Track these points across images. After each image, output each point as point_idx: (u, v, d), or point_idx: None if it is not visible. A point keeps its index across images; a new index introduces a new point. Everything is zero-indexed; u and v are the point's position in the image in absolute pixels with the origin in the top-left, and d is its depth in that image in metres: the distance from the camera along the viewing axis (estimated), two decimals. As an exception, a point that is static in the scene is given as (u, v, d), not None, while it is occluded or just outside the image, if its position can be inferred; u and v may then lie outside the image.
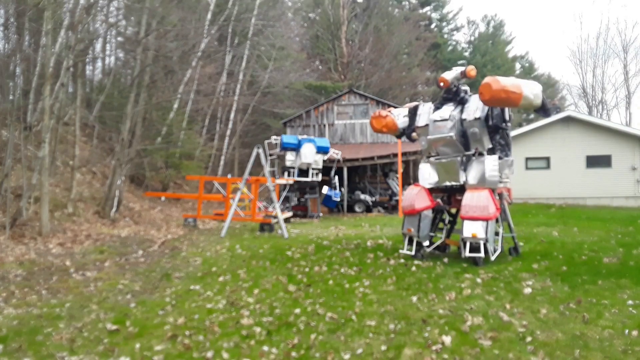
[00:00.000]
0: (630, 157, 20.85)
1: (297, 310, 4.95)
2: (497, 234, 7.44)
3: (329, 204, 18.06)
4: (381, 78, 33.44)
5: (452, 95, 7.85)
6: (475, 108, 7.43)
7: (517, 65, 45.51)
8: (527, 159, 21.92)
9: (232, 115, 25.11)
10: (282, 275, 6.64)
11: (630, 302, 5.02)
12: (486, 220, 6.95)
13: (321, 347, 3.99)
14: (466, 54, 44.34)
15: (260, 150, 11.44)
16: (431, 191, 7.99)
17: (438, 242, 8.12)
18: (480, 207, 6.97)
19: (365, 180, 22.30)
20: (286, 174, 16.72)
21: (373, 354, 3.84)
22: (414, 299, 5.31)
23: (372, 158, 19.80)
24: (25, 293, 5.76)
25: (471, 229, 6.99)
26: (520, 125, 29.95)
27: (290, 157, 16.81)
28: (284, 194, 16.89)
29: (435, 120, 7.77)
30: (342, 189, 19.15)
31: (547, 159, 21.73)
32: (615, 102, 40.00)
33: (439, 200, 8.25)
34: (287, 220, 13.86)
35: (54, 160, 12.35)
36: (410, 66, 37.18)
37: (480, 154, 7.43)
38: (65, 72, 11.63)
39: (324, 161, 17.43)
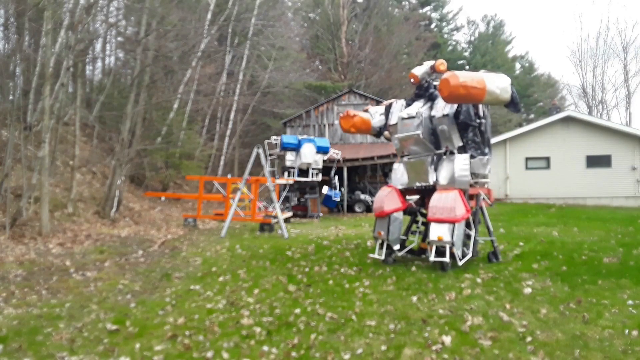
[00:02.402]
0: (630, 157, 20.86)
1: (297, 310, 4.95)
2: (469, 237, 7.01)
3: (329, 204, 18.06)
4: (381, 78, 33.46)
5: (423, 92, 7.54)
6: (444, 104, 7.06)
7: (517, 65, 45.51)
8: (527, 159, 21.95)
9: (232, 115, 25.11)
10: (282, 275, 6.64)
11: (630, 302, 5.03)
12: (452, 222, 6.53)
13: (321, 347, 3.99)
14: (466, 54, 44.39)
15: (260, 150, 11.44)
16: (405, 192, 7.66)
17: (411, 246, 7.78)
18: (447, 209, 6.57)
19: (365, 180, 22.30)
20: (286, 174, 16.72)
21: (373, 354, 3.84)
22: (414, 299, 5.31)
23: (372, 158, 19.80)
24: (25, 293, 5.76)
25: (437, 232, 6.60)
26: (520, 125, 29.98)
27: (290, 157, 16.80)
28: (284, 194, 16.89)
29: (403, 118, 7.42)
30: (342, 189, 19.14)
31: (547, 159, 21.74)
32: (615, 102, 40.08)
33: (411, 202, 7.84)
34: (287, 220, 13.86)
35: (54, 160, 12.35)
36: (410, 66, 37.07)
37: (452, 153, 7.07)
38: (65, 72, 11.63)
39: (324, 161, 17.42)
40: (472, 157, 6.98)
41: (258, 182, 13.10)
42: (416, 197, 8.01)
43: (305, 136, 17.83)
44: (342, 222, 14.84)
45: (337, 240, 10.01)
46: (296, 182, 16.58)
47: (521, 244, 8.90)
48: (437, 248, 6.67)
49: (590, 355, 3.73)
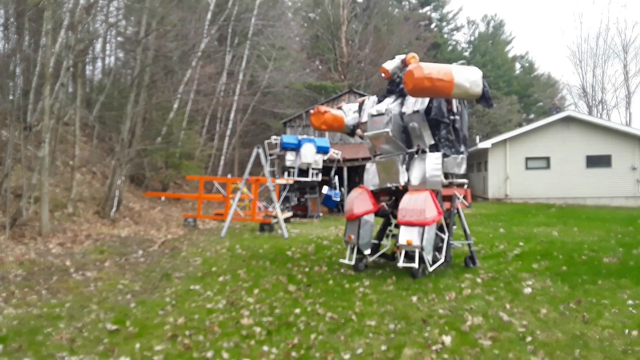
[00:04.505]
0: (630, 157, 20.90)
1: (297, 310, 4.95)
2: (443, 241, 6.62)
3: (329, 204, 18.05)
4: (381, 78, 33.37)
5: (394, 87, 7.12)
6: (414, 100, 6.68)
7: (517, 65, 45.51)
8: (527, 159, 21.97)
9: (232, 115, 25.12)
10: (282, 275, 6.64)
11: (630, 302, 5.03)
12: (422, 225, 6.11)
13: (321, 347, 3.99)
14: (466, 53, 44.37)
15: (260, 150, 11.44)
16: (378, 193, 7.25)
17: (384, 250, 7.31)
18: (417, 211, 6.14)
19: (365, 180, 22.25)
20: (286, 174, 16.72)
21: (373, 354, 3.84)
22: (414, 299, 5.31)
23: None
24: (25, 293, 5.76)
25: (406, 236, 6.17)
26: (520, 125, 29.98)
27: (290, 157, 16.79)
28: (284, 194, 16.89)
29: (372, 115, 6.99)
30: (342, 189, 19.14)
31: (547, 159, 21.77)
32: (615, 102, 40.15)
33: (383, 204, 7.33)
34: (287, 220, 13.86)
35: (54, 160, 12.35)
36: (410, 66, 37.08)
37: (424, 152, 6.65)
38: (65, 72, 11.64)
39: (324, 161, 17.42)
40: (445, 155, 6.60)
41: (258, 182, 13.10)
42: (390, 198, 7.47)
43: (305, 136, 17.82)
44: (342, 222, 14.82)
45: (337, 240, 10.01)
46: (296, 182, 16.57)
47: (521, 244, 8.90)
48: (407, 252, 6.27)
49: (590, 355, 3.73)
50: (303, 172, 16.87)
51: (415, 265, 6.13)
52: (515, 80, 41.77)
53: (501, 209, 17.33)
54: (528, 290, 5.57)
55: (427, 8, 44.85)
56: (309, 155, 16.65)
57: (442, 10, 45.41)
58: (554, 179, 21.24)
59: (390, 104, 7.00)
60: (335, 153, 18.27)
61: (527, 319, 4.54)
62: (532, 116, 40.51)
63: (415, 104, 6.72)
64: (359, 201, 6.98)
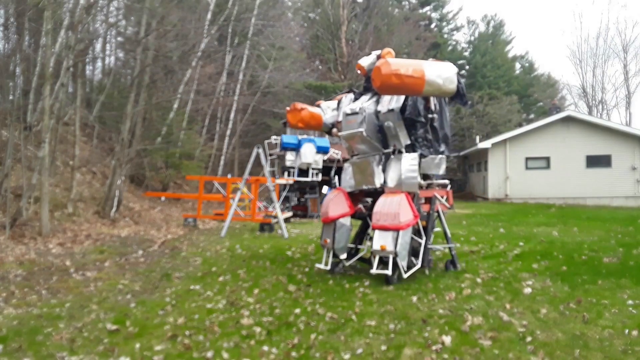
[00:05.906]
0: (630, 157, 20.93)
1: (297, 310, 4.95)
2: (420, 245, 6.29)
3: (328, 204, 18.03)
4: (381, 78, 33.35)
5: (370, 84, 6.55)
6: (390, 98, 6.38)
7: (517, 65, 45.50)
8: (527, 158, 22.00)
9: (232, 115, 25.11)
10: (282, 275, 6.64)
11: (630, 302, 5.03)
12: (396, 230, 5.78)
13: (321, 347, 3.99)
14: (466, 53, 44.36)
15: (260, 150, 11.44)
16: (356, 195, 6.95)
17: (362, 254, 7.00)
18: (391, 215, 5.83)
19: (365, 180, 22.22)
20: (286, 174, 16.71)
21: (373, 354, 3.84)
22: (414, 299, 5.31)
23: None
24: (25, 293, 5.75)
25: (380, 241, 5.85)
26: (520, 125, 29.99)
27: (290, 157, 16.75)
28: (284, 194, 16.88)
29: (347, 114, 6.65)
30: (342, 189, 19.11)
31: (547, 159, 21.79)
32: (615, 102, 40.11)
33: (360, 206, 6.98)
34: (287, 220, 13.86)
35: (54, 160, 12.34)
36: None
37: (400, 152, 6.36)
38: (65, 72, 11.63)
39: (324, 161, 17.40)
40: (423, 156, 6.31)
41: (258, 182, 13.10)
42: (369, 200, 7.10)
43: (305, 136, 17.78)
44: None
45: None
46: (296, 182, 16.56)
47: (521, 244, 8.90)
48: (382, 258, 5.95)
49: (590, 355, 3.73)
50: (303, 172, 16.83)
51: (389, 272, 5.82)
52: (515, 80, 41.73)
53: (501, 209, 17.33)
54: (528, 290, 5.58)
55: (427, 8, 44.79)
56: (309, 155, 16.60)
57: (442, 10, 45.36)
58: (554, 179, 21.26)
59: (365, 102, 6.68)
60: (335, 153, 18.25)
61: (527, 319, 4.54)
62: (532, 116, 40.48)
63: (390, 102, 6.42)
64: (334, 204, 6.71)
